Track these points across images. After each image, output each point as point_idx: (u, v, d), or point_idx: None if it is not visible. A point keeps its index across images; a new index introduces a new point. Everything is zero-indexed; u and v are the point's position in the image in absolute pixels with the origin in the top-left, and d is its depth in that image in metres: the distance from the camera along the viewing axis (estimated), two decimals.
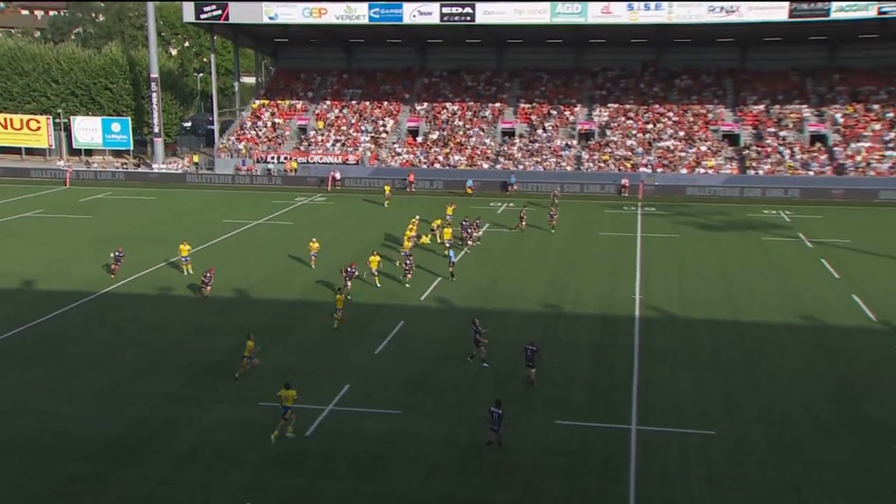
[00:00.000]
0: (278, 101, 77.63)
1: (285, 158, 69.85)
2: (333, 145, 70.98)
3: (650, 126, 68.58)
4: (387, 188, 57.07)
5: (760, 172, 61.99)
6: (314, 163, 68.81)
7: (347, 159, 68.62)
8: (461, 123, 72.11)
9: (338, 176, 66.38)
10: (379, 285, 34.98)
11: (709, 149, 65.21)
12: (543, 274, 37.94)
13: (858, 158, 61.41)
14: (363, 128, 72.90)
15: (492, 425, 20.64)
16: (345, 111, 75.47)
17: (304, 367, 26.34)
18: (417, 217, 45.39)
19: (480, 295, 34.90)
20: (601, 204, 56.74)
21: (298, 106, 77.02)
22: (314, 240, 39.11)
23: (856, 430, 21.76)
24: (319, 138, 72.08)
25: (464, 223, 43.05)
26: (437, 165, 67.29)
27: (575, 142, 68.69)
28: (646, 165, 64.22)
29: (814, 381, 25.24)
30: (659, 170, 63.52)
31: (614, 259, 40.76)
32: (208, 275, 33.73)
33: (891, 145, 62.15)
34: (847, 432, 21.70)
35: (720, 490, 18.98)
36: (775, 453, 20.65)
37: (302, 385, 24.07)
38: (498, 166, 66.58)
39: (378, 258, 36.16)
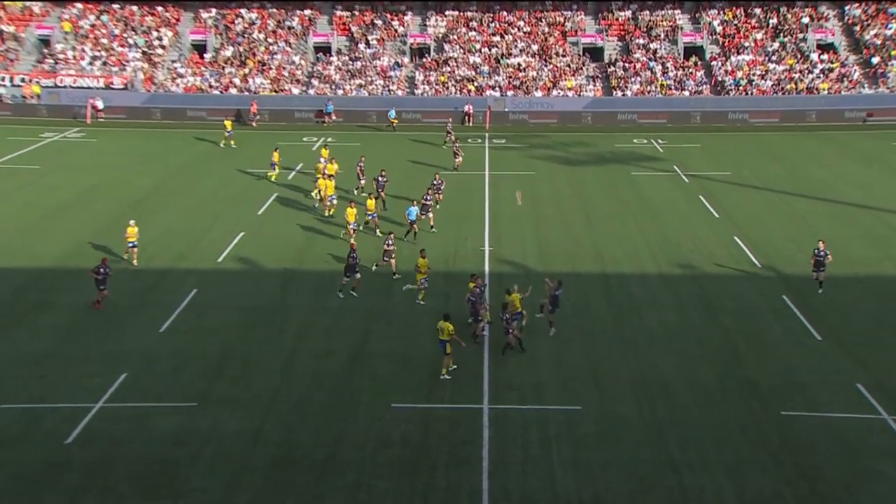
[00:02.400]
0: (5, 2, 71.14)
1: (23, 81, 64.60)
2: (91, 64, 66.33)
3: (497, 39, 69.74)
4: (228, 122, 54.42)
5: (629, 94, 64.98)
6: (65, 87, 64.28)
7: (112, 83, 64.57)
8: (262, 37, 69.77)
9: (99, 105, 62.49)
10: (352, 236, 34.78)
11: (568, 66, 67.42)
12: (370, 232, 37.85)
13: (739, 74, 65.98)
14: (131, 41, 68.63)
15: (507, 327, 24.54)
16: (104, 18, 70.52)
17: (64, 355, 25.25)
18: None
19: (294, 253, 34.33)
20: (441, 136, 57.22)
21: (36, 9, 71.05)
22: (132, 223, 33.36)
23: (740, 397, 23.41)
24: (71, 54, 67.02)
25: (434, 183, 39.56)
26: (233, 91, 64.86)
27: (406, 59, 68.58)
28: (493, 88, 65.38)
29: (693, 341, 26.93)
30: (509, 93, 64.89)
31: (457, 204, 41.32)
32: None
33: (775, 58, 67.24)
34: (730, 400, 23.30)
35: (588, 476, 19.86)
36: (651, 429, 21.86)
37: (62, 378, 23.20)
38: (311, 91, 65.23)
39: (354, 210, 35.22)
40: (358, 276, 29.83)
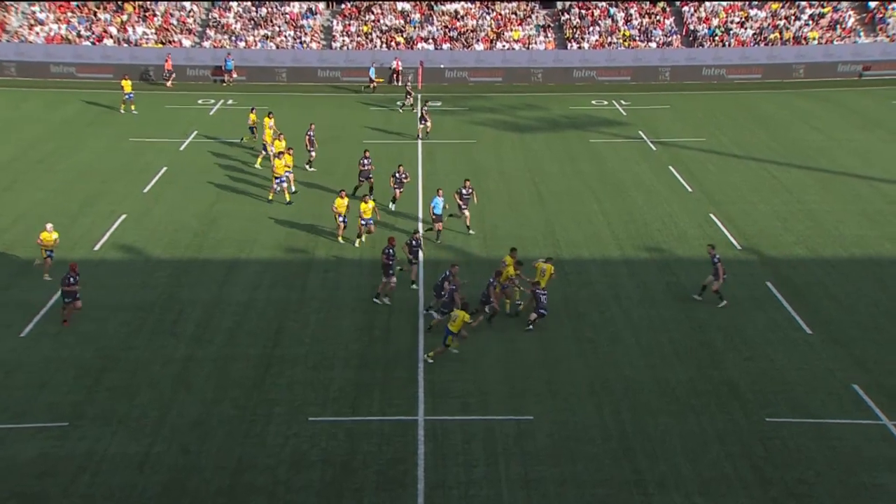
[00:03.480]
0: None
1: None
2: None
3: None
4: (126, 82, 52.83)
5: (586, 46, 65.60)
6: None
7: None
8: None
9: None
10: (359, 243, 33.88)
11: (514, 14, 67.67)
12: (280, 208, 37.65)
13: (715, 22, 66.97)
14: None
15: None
16: None
17: None
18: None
19: (189, 239, 33.99)
20: (362, 98, 56.97)
21: None
22: (49, 228, 31.08)
23: (718, 402, 23.87)
24: None
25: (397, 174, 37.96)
26: (109, 42, 63.57)
27: (321, 6, 68.00)
28: (426, 40, 65.29)
29: (664, 337, 27.37)
30: (445, 45, 64.89)
31: (386, 179, 41.23)
32: None
33: (756, 2, 68.36)
34: (707, 406, 23.74)
35: (541, 497, 20.08)
36: (614, 441, 22.16)
37: None
38: (206, 43, 64.32)
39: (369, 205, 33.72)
40: (394, 280, 29.21)
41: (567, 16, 67.45)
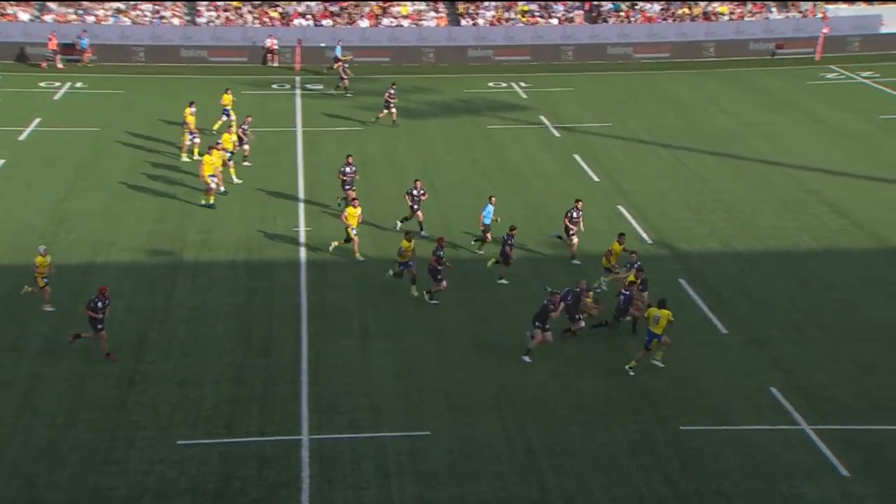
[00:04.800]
0: None
1: None
2: None
3: None
4: None
5: (481, 23, 65.99)
6: None
7: None
8: None
9: None
10: (360, 258, 32.99)
11: None
12: (143, 203, 37.08)
13: None
14: None
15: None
16: None
17: None
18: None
19: (36, 240, 33.08)
20: (235, 81, 56.18)
21: None
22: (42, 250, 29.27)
23: (631, 411, 24.34)
24: None
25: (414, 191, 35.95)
26: None
27: None
28: (304, 16, 64.83)
29: (571, 342, 27.74)
30: (326, 22, 64.55)
31: (262, 171, 40.94)
32: None
33: None
34: (619, 415, 24.17)
35: None
36: (519, 456, 22.42)
37: None
38: (48, 17, 62.56)
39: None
40: (444, 283, 29.48)
41: None
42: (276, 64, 60.56)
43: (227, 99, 45.46)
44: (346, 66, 54.69)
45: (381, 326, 28.35)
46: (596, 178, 41.21)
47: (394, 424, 23.46)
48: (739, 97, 55.07)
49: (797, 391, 25.07)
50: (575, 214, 32.87)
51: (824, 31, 63.44)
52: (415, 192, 34.38)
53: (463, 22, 65.69)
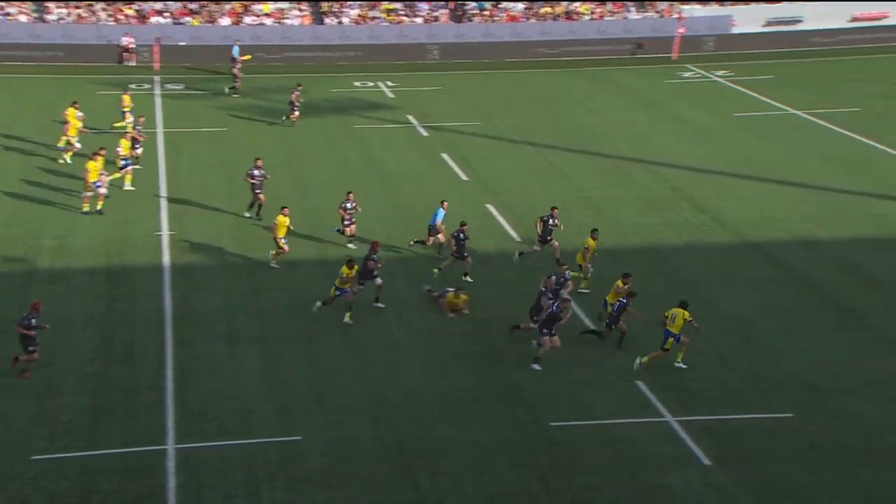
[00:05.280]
0: None
1: None
2: None
3: None
4: None
5: (346, 21, 65.79)
6: None
7: None
8: None
9: None
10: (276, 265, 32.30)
11: None
12: None
13: None
14: None
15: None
16: None
17: None
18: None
19: None
20: (89, 81, 54.73)
21: None
22: None
23: (504, 408, 24.55)
24: None
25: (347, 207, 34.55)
26: None
27: None
28: (162, 13, 63.49)
29: (443, 341, 27.93)
30: (186, 19, 63.41)
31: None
32: None
33: None
34: (492, 413, 24.37)
35: None
36: (392, 458, 22.44)
37: None
38: None
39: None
40: (378, 281, 29.30)
41: None
42: (133, 63, 59.16)
43: (127, 100, 44.38)
44: (240, 66, 53.71)
45: (250, 330, 28.06)
46: (464, 177, 41.43)
47: (264, 430, 23.22)
48: (603, 96, 56.08)
49: (662, 385, 25.62)
50: (348, 205, 33.31)
51: (680, 30, 65.07)
52: (348, 205, 33.71)
53: (327, 21, 65.29)
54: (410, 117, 50.31)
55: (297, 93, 48.15)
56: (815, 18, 68.41)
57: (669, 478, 21.87)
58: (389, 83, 57.72)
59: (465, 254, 31.35)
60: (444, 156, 44.27)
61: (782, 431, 23.60)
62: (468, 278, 31.35)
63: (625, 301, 27.34)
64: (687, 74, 61.15)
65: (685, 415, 24.18)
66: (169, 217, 35.85)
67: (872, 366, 26.55)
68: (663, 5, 68.76)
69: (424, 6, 67.11)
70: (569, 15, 67.78)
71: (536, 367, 26.33)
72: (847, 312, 28.77)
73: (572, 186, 40.63)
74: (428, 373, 26.13)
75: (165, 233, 34.21)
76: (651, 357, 26.21)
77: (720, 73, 61.05)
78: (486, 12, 67.31)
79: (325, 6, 65.89)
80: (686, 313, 25.94)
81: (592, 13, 68.06)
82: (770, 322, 28.58)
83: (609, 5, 68.60)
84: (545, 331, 26.34)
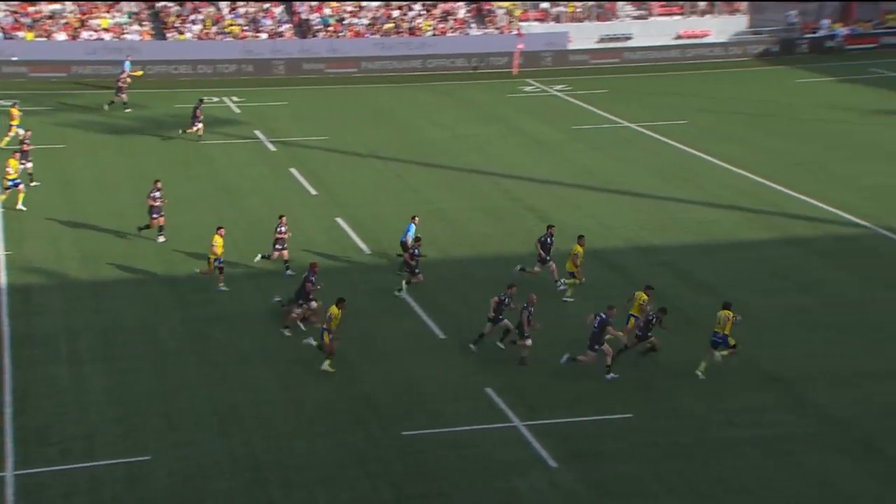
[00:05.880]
0: None
1: None
2: None
3: None
4: None
5: (189, 37, 64.67)
6: None
7: None
8: None
9: None
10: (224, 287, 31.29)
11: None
12: None
13: (328, 11, 68.26)
14: None
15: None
16: None
17: None
18: None
19: None
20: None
21: None
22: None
23: (356, 419, 24.32)
24: None
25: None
26: None
27: None
28: None
29: (293, 354, 27.46)
30: (19, 34, 61.14)
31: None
32: None
33: None
34: (344, 423, 24.12)
35: None
36: (245, 472, 22.00)
37: None
38: None
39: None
40: (314, 304, 28.23)
41: (164, 2, 65.93)
42: None
43: (15, 113, 42.58)
44: (127, 80, 52.19)
45: (94, 351, 27.24)
46: (313, 192, 41.07)
47: (110, 452, 22.47)
48: (448, 110, 56.44)
49: (510, 390, 25.74)
50: (549, 241, 32.27)
51: (520, 46, 65.91)
52: (282, 228, 32.66)
53: (169, 36, 63.94)
54: (257, 132, 49.65)
55: (199, 107, 47.54)
56: (644, 36, 70.44)
57: (517, 481, 21.96)
58: (235, 98, 56.91)
59: (416, 269, 31.27)
60: (293, 170, 43.81)
61: (624, 431, 23.97)
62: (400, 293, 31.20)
63: (655, 315, 26.93)
64: (527, 89, 62.00)
65: (532, 419, 24.33)
66: (5, 237, 34.49)
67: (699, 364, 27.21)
68: (503, 22, 69.61)
69: (268, 21, 66.27)
70: (412, 31, 67.99)
71: (613, 375, 26.29)
72: (679, 314, 29.47)
73: (420, 199, 40.65)
74: (280, 386, 25.73)
75: (2, 254, 32.84)
76: (730, 353, 26.17)
77: (558, 87, 62.07)
78: (331, 28, 66.99)
79: (167, 21, 64.43)
80: (730, 314, 26.16)
81: (435, 29, 68.42)
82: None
83: (451, 22, 69.09)
84: (596, 348, 26.15)
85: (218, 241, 30.87)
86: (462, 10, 70.28)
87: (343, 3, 68.67)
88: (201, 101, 48.75)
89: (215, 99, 56.41)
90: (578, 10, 70.94)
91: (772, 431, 23.83)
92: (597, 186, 42.60)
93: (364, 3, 68.95)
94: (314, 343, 26.42)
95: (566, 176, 44.03)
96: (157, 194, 34.53)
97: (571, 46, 68.94)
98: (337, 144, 48.30)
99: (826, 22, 72.70)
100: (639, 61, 68.84)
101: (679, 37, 71.02)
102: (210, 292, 30.87)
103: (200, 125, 47.07)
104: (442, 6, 69.71)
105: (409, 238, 32.55)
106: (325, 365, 26.14)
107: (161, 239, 34.54)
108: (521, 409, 24.80)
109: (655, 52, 69.61)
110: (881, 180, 42.26)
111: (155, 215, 34.40)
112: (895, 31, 72.83)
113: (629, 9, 71.83)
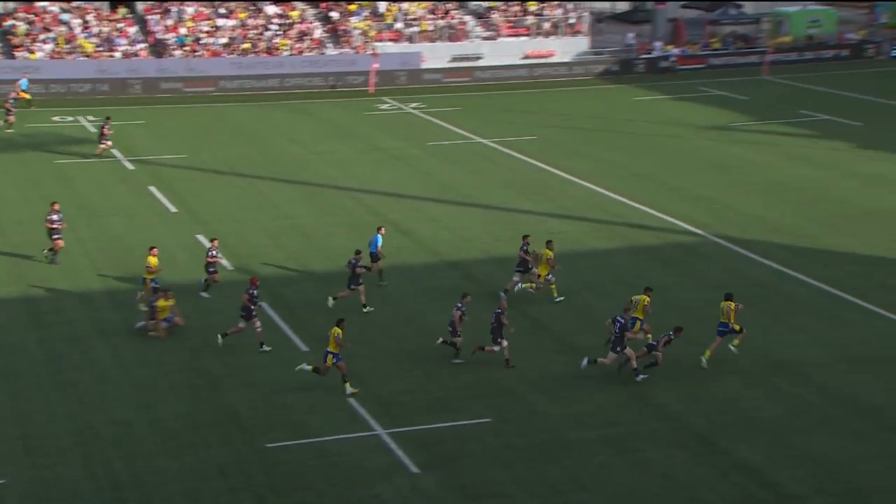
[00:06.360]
0: None
1: None
2: None
3: None
4: None
5: (41, 56, 62.88)
6: None
7: None
8: None
9: None
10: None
11: None
12: None
13: (183, 31, 67.24)
14: None
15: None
16: None
17: None
18: None
19: None
20: None
21: None
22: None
23: (219, 433, 24.03)
24: None
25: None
26: None
27: None
28: None
29: (156, 372, 27.02)
30: None
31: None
32: None
33: (223, 10, 69.56)
34: (207, 438, 23.77)
35: None
36: (106, 492, 21.50)
37: None
38: None
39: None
40: (258, 324, 28.04)
41: (13, 21, 63.90)
42: None
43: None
44: (13, 101, 50.69)
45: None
46: (173, 209, 40.41)
47: None
48: (305, 127, 56.26)
49: (373, 399, 25.78)
50: (213, 252, 31.86)
51: (375, 65, 66.15)
52: (213, 251, 31.85)
53: (18, 55, 62.07)
54: (115, 151, 48.45)
55: (107, 125, 46.68)
56: (494, 55, 71.39)
57: (380, 488, 21.97)
58: (90, 118, 55.50)
59: (360, 282, 30.80)
60: (152, 188, 43.03)
61: (482, 435, 24.21)
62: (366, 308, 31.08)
63: (671, 334, 27.09)
64: (384, 107, 62.19)
65: (394, 427, 24.41)
66: None
67: (555, 368, 27.65)
68: (359, 42, 69.71)
69: (123, 41, 64.80)
70: (269, 50, 67.47)
71: (643, 377, 26.61)
72: (532, 321, 29.98)
73: (281, 214, 40.39)
74: (141, 403, 25.20)
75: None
76: (740, 339, 27.49)
77: (413, 105, 62.47)
78: (187, 47, 65.98)
79: (16, 40, 62.45)
80: (732, 304, 27.31)
81: (291, 49, 68.07)
82: (469, 334, 29.42)
83: (307, 42, 68.84)
84: (618, 349, 26.41)
85: (152, 260, 30.49)
86: (318, 31, 70.13)
87: (199, 23, 67.70)
88: (108, 118, 47.81)
89: (69, 118, 55.05)
90: (431, 30, 71.60)
91: (619, 430, 24.43)
92: (454, 200, 43.01)
93: (220, 23, 68.15)
94: (308, 368, 25.99)
95: (424, 191, 44.35)
96: (55, 217, 33.64)
97: (425, 66, 69.46)
98: (196, 162, 47.61)
99: (659, 44, 75.11)
100: (489, 80, 69.88)
101: (526, 56, 72.25)
102: (66, 312, 30.10)
103: (108, 143, 46.19)
104: (298, 27, 69.45)
105: (379, 248, 32.62)
106: (349, 389, 25.77)
107: (53, 260, 33.58)
108: (383, 417, 24.85)
109: (504, 70, 70.71)
110: (712, 192, 43.82)
111: (55, 236, 33.54)
112: (721, 53, 75.80)
113: (479, 30, 72.89)
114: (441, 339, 28.06)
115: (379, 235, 32.90)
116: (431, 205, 42.47)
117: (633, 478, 22.41)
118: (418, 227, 39.30)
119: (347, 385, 25.80)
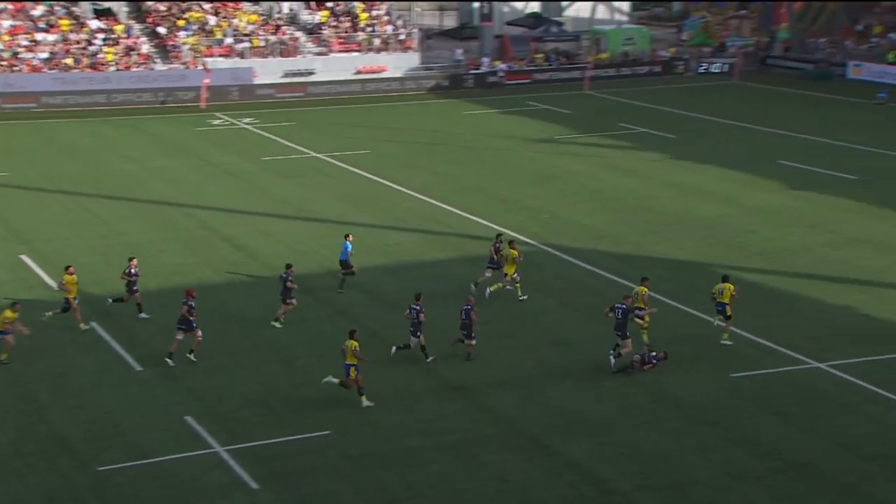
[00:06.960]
0: None
1: None
2: None
3: None
4: None
5: None
6: None
7: None
8: None
9: None
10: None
11: None
12: None
13: (0, 46, 64.53)
14: None
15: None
16: None
17: None
18: None
19: None
20: None
21: None
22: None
23: (46, 460, 22.99)
24: None
25: None
26: None
27: None
28: None
29: None
30: None
31: None
32: None
33: (43, 25, 67.22)
34: (33, 466, 22.68)
35: None
36: None
37: None
38: None
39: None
40: (199, 333, 27.47)
41: None
42: None
43: None
44: None
45: None
46: None
47: None
48: (135, 143, 54.85)
49: (210, 417, 25.08)
50: (132, 271, 30.76)
51: (206, 81, 64.88)
52: (132, 270, 30.19)
53: None
54: None
55: None
56: (326, 71, 71.17)
57: None
58: None
59: (293, 296, 30.42)
60: None
61: (321, 447, 23.82)
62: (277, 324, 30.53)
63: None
64: (216, 122, 61.05)
65: (233, 443, 23.76)
66: None
67: (392, 379, 27.39)
68: (188, 57, 68.17)
69: None
70: (93, 66, 65.27)
71: (617, 367, 27.29)
72: (370, 332, 29.82)
73: (111, 232, 39.07)
74: None
75: None
76: (727, 325, 28.75)
77: (247, 120, 61.51)
78: (4, 62, 63.31)
79: None
80: (732, 287, 28.34)
81: (118, 64, 66.04)
82: (308, 347, 28.95)
83: (134, 57, 66.92)
84: (619, 334, 27.06)
85: (69, 279, 29.33)
86: (146, 46, 68.30)
87: (17, 37, 65.12)
88: None
89: None
90: (262, 45, 70.72)
91: (455, 437, 24.41)
92: (289, 214, 42.42)
93: (40, 37, 65.72)
94: (335, 381, 25.40)
95: (259, 205, 43.60)
96: None
97: (257, 81, 68.60)
98: (19, 181, 45.73)
99: (487, 60, 76.26)
100: (322, 95, 69.57)
101: (358, 72, 72.25)
102: None
103: None
104: (124, 41, 67.52)
105: (349, 255, 32.64)
106: (365, 401, 25.37)
107: None
108: (221, 434, 24.15)
109: (337, 85, 70.56)
110: (540, 202, 44.59)
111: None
112: (545, 69, 77.49)
113: (311, 45, 72.40)
114: (395, 348, 28.25)
115: (348, 242, 33.02)
116: (266, 219, 41.79)
117: (471, 483, 22.40)
118: (253, 241, 38.58)
119: (363, 398, 25.45)
